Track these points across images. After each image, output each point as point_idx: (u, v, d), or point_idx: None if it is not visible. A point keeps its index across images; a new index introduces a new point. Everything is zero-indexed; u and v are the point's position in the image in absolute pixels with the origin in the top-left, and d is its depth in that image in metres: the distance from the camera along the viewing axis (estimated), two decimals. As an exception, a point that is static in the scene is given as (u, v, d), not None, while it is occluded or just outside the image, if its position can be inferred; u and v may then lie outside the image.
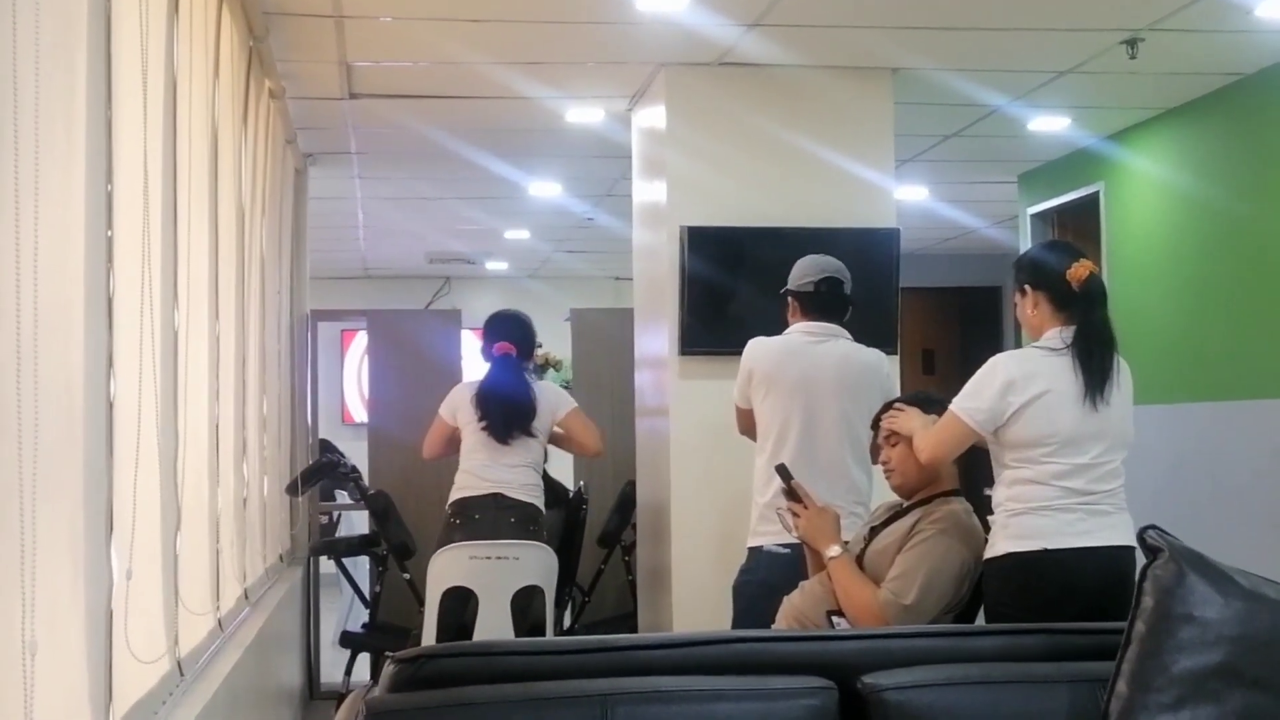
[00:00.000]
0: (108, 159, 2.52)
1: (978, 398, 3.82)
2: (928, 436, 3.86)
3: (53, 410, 2.18)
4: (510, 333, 5.96)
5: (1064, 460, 3.76)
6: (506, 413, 5.83)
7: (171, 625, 3.18)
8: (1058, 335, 3.85)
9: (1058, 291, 3.87)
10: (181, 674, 3.27)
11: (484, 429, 5.80)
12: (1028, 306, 3.95)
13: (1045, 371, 3.80)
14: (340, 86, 6.21)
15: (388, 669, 2.27)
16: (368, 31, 5.51)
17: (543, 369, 7.13)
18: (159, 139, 3.09)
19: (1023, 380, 3.79)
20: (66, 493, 2.26)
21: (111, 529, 2.51)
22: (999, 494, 3.85)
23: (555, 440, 6.11)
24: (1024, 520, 3.76)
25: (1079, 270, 3.85)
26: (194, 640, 3.53)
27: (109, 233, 2.52)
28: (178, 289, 3.28)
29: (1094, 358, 3.80)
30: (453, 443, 5.97)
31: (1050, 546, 3.71)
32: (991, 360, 3.89)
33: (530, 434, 5.85)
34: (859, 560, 3.92)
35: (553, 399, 6.01)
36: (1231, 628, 2.24)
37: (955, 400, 3.86)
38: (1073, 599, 3.59)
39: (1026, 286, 3.94)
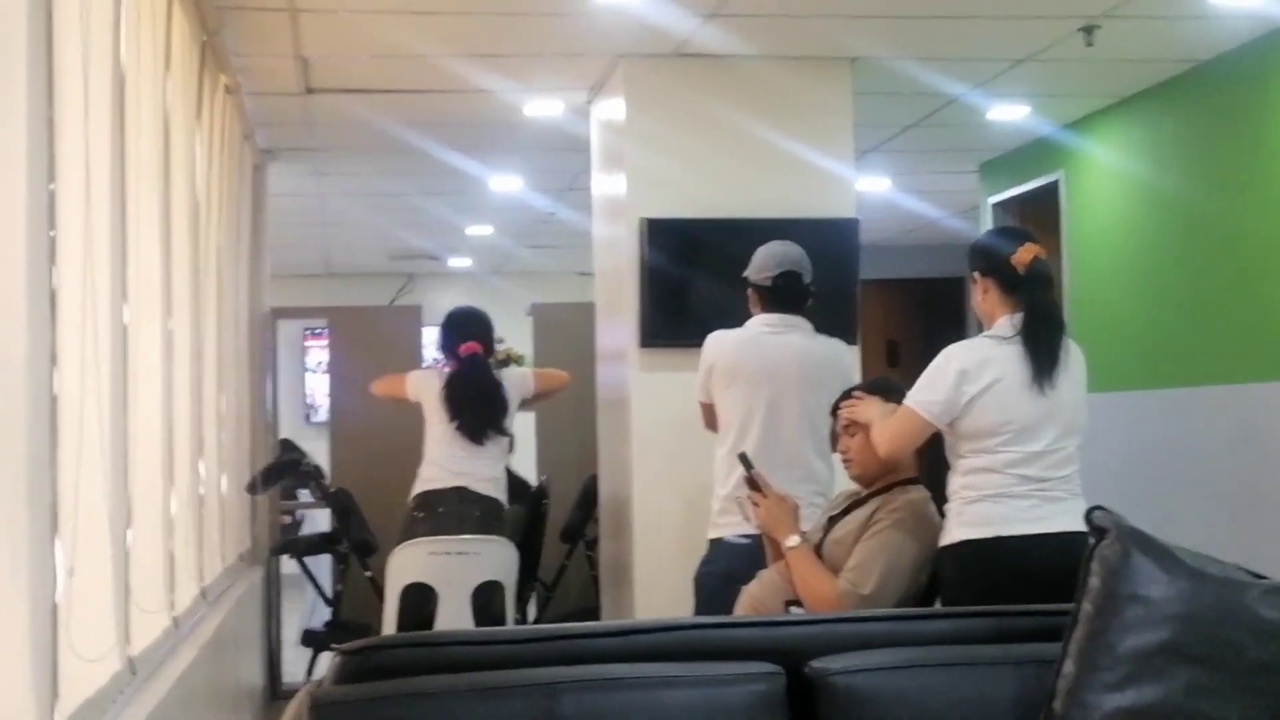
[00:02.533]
0: (49, 157, 2.49)
1: (932, 390, 3.82)
2: (884, 430, 3.86)
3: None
4: (475, 331, 6.00)
5: (1018, 448, 3.76)
6: (482, 414, 5.87)
7: (122, 623, 3.15)
8: (1008, 322, 3.86)
9: (1004, 277, 3.88)
10: (134, 672, 3.24)
11: (457, 428, 5.81)
12: (979, 293, 3.95)
13: (997, 360, 3.81)
14: (297, 81, 6.17)
15: (334, 660, 2.26)
16: (323, 25, 5.48)
17: (504, 364, 7.13)
18: (106, 135, 3.06)
19: (975, 370, 3.79)
20: (7, 489, 2.24)
21: (56, 526, 2.48)
22: (954, 482, 3.86)
23: (533, 402, 6.34)
24: (978, 508, 3.76)
25: (1023, 254, 3.85)
26: (147, 639, 3.50)
27: (51, 233, 2.49)
28: (127, 285, 3.25)
29: (1041, 341, 3.80)
30: (398, 403, 6.08)
31: (1004, 533, 3.72)
32: (944, 351, 3.89)
33: (502, 432, 5.90)
34: (817, 549, 3.92)
35: (518, 385, 6.14)
36: (1176, 606, 2.25)
37: (910, 394, 3.86)
38: (1027, 585, 3.57)
39: (976, 274, 3.95)
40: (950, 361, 3.83)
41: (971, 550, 3.73)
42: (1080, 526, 3.66)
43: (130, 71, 3.36)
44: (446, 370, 6.06)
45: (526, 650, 2.30)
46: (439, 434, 5.87)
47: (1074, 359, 3.89)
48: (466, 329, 6.01)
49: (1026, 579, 3.63)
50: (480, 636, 2.58)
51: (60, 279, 2.53)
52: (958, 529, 3.76)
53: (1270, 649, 2.25)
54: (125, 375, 3.22)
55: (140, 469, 3.42)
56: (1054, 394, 3.79)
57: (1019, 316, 3.84)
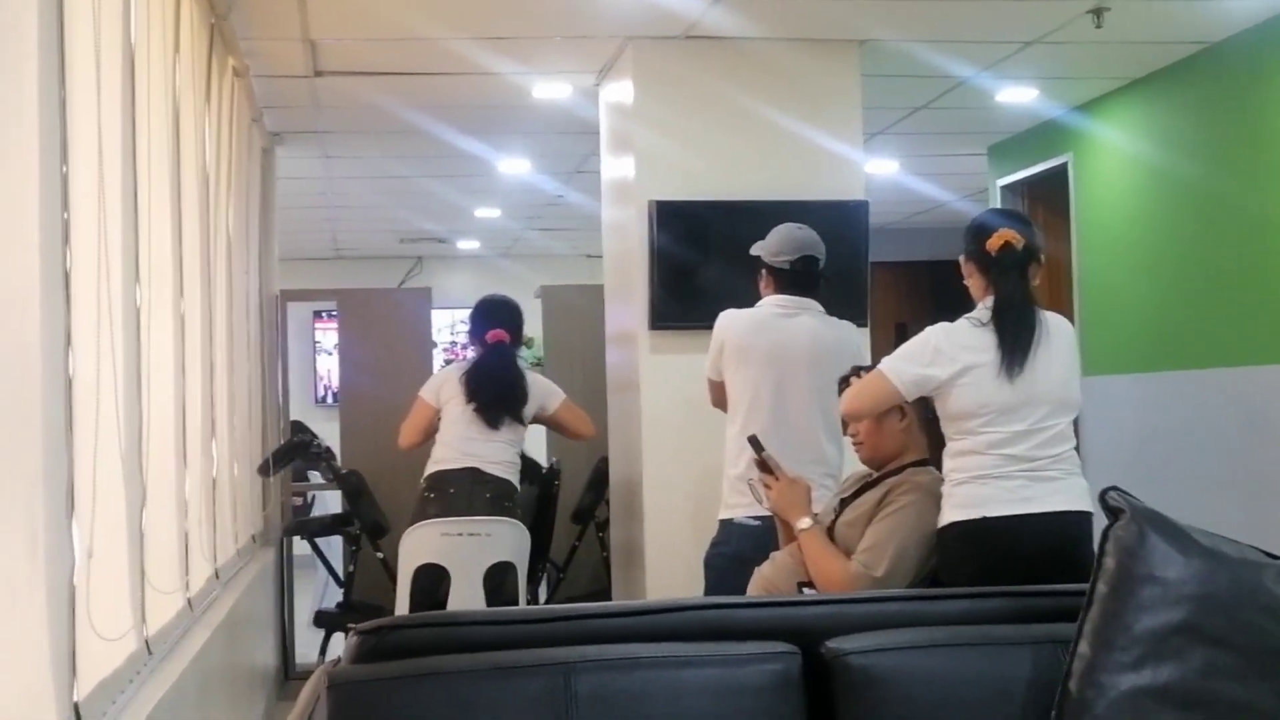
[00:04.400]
0: (62, 139, 2.49)
1: (907, 361, 3.83)
2: (850, 390, 3.89)
3: (6, 389, 2.17)
4: (503, 320, 6.02)
5: (1000, 429, 3.75)
6: (500, 398, 5.87)
7: (138, 604, 3.16)
8: (984, 306, 3.86)
9: (980, 260, 3.89)
10: (150, 652, 3.25)
11: (474, 410, 5.82)
12: (965, 274, 3.96)
13: (973, 344, 3.80)
14: (305, 64, 6.17)
15: (350, 640, 2.26)
16: (331, 7, 5.47)
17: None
18: (117, 117, 3.06)
19: (950, 352, 3.79)
20: (22, 471, 2.25)
21: (73, 507, 2.49)
22: (946, 465, 3.86)
23: (545, 424, 6.27)
24: (966, 489, 3.75)
25: (995, 240, 3.85)
26: (163, 619, 3.51)
27: (65, 215, 2.49)
28: (139, 267, 3.26)
29: (1007, 329, 3.79)
30: (432, 430, 6.00)
31: (990, 514, 3.70)
32: (926, 330, 3.89)
33: (518, 420, 5.90)
34: (829, 532, 3.93)
35: (543, 392, 6.09)
36: (1192, 587, 2.25)
37: (885, 359, 3.88)
38: (1014, 565, 3.53)
39: (962, 255, 3.96)
40: (929, 340, 3.84)
41: (960, 531, 3.72)
42: (1073, 505, 3.70)
43: (140, 54, 3.36)
44: (470, 355, 6.10)
45: (542, 630, 2.31)
46: (455, 415, 5.88)
47: (1057, 335, 3.86)
48: (495, 317, 6.04)
49: (1015, 559, 3.61)
50: (496, 616, 2.58)
51: (73, 261, 2.54)
52: (949, 511, 3.77)
53: (1286, 629, 2.25)
54: (139, 357, 3.23)
55: (154, 450, 3.43)
56: (1031, 377, 3.77)
57: (992, 299, 3.85)
